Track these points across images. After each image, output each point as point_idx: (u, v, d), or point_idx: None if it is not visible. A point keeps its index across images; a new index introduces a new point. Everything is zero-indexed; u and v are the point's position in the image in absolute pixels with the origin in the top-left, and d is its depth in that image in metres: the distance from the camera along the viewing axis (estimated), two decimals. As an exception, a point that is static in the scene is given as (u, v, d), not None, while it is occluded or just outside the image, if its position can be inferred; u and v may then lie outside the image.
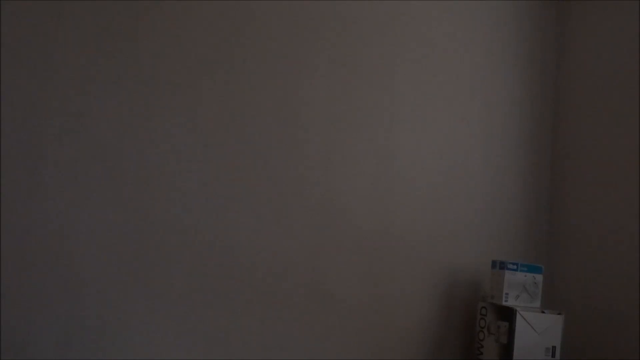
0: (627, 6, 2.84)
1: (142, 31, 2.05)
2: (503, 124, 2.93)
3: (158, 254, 2.07)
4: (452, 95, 2.76)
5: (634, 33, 2.80)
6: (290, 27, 2.34)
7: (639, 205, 2.70)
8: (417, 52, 2.66)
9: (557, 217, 3.02)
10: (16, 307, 1.83)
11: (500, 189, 2.91)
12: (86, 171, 1.94)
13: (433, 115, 2.71)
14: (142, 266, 2.04)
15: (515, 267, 2.61)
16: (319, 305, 2.39)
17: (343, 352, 2.44)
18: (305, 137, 2.37)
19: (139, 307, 2.03)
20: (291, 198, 2.33)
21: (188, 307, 2.12)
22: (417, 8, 2.66)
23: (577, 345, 2.83)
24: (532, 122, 3.03)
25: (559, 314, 2.59)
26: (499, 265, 2.61)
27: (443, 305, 2.71)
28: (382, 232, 2.54)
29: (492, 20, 2.90)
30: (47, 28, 1.88)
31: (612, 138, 2.84)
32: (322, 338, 2.39)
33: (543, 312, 2.57)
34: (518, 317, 2.50)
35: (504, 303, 2.57)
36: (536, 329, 2.53)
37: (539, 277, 2.66)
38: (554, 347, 2.56)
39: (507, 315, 2.53)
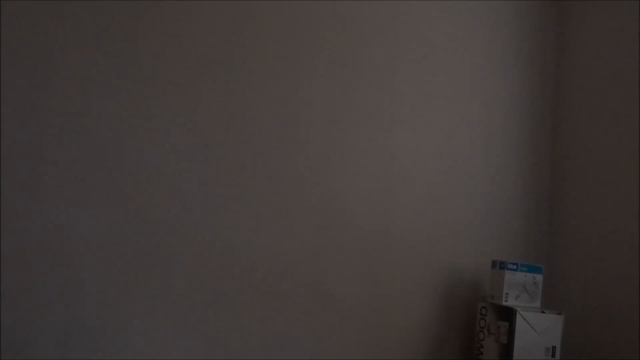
0: (627, 6, 2.84)
1: (142, 31, 2.05)
2: (503, 124, 2.92)
3: (158, 254, 2.07)
4: (452, 95, 2.76)
5: (634, 33, 2.80)
6: (290, 27, 2.34)
7: (639, 205, 2.70)
8: (417, 52, 2.66)
9: (557, 217, 3.02)
10: (16, 307, 1.83)
11: (500, 189, 2.91)
12: (86, 171, 1.94)
13: (433, 115, 2.71)
14: (142, 266, 2.04)
15: (515, 267, 2.61)
16: (319, 305, 2.39)
17: (343, 352, 2.43)
18: (305, 137, 2.37)
19: (139, 307, 2.03)
20: (291, 198, 2.33)
21: (188, 307, 2.12)
22: (417, 8, 2.66)
23: (577, 345, 2.83)
24: (532, 122, 3.03)
25: (559, 314, 2.59)
26: (499, 265, 2.61)
27: (443, 305, 2.71)
28: (382, 232, 2.54)
29: (492, 20, 2.90)
30: (47, 28, 1.88)
31: (612, 138, 2.84)
32: (322, 338, 2.39)
33: (543, 312, 2.57)
34: (518, 317, 2.50)
35: (504, 303, 2.57)
36: (536, 329, 2.53)
37: (539, 277, 2.66)
38: (554, 347, 2.56)
39: (507, 315, 2.53)
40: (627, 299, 2.70)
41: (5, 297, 1.81)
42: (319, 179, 2.40)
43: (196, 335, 2.13)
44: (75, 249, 1.93)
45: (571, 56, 3.06)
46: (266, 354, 2.26)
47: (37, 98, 1.87)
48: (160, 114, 2.08)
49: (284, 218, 2.32)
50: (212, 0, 2.17)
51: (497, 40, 2.92)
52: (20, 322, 1.83)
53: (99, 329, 1.96)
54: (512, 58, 2.97)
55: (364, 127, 2.51)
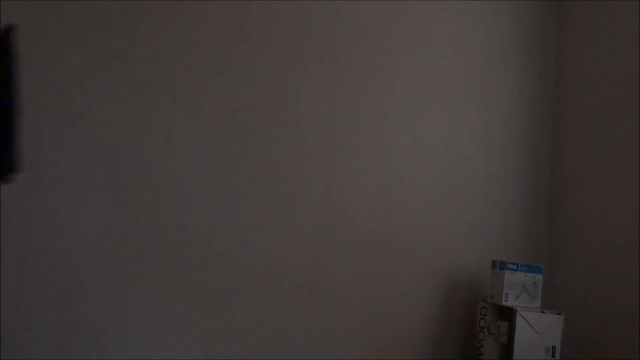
0: (627, 6, 2.84)
1: (142, 31, 2.05)
2: (503, 124, 2.92)
3: (158, 254, 2.07)
4: (452, 95, 2.76)
5: (634, 33, 2.80)
6: (290, 27, 2.34)
7: (639, 205, 2.70)
8: (417, 52, 2.66)
9: (557, 217, 3.02)
10: (16, 307, 1.83)
11: (500, 189, 2.91)
12: (86, 171, 1.94)
13: (433, 115, 2.71)
14: (142, 266, 2.04)
15: (515, 267, 2.61)
16: (319, 305, 2.39)
17: (343, 352, 2.43)
18: (305, 137, 2.37)
19: (139, 307, 2.03)
20: (291, 198, 2.33)
21: (188, 307, 2.12)
22: (417, 8, 2.66)
23: (577, 345, 2.83)
24: (532, 122, 3.03)
25: (559, 314, 2.59)
26: (499, 265, 2.61)
27: (443, 305, 2.71)
28: (382, 232, 2.54)
29: (492, 20, 2.90)
30: (47, 28, 1.88)
31: (612, 138, 2.84)
32: (322, 338, 2.39)
33: (543, 312, 2.57)
34: (518, 317, 2.50)
35: (504, 303, 2.57)
36: (536, 329, 2.53)
37: (539, 277, 2.66)
38: (554, 347, 2.56)
39: (507, 315, 2.53)
40: (627, 299, 2.70)
41: (5, 297, 1.81)
42: (319, 179, 2.40)
43: (196, 335, 2.13)
44: (75, 249, 1.93)
45: (571, 56, 3.06)
46: (266, 354, 2.26)
47: (37, 98, 1.86)
48: (160, 114, 2.08)
49: (284, 218, 2.32)
50: (212, 0, 2.17)
51: (497, 41, 2.92)
52: (20, 322, 1.83)
53: (99, 329, 1.96)
54: (512, 58, 2.97)
55: (364, 127, 2.51)
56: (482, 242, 2.84)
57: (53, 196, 1.89)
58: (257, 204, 2.26)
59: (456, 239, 2.76)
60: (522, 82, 3.00)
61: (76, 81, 1.93)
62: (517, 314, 2.49)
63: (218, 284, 2.17)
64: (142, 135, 2.04)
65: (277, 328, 2.29)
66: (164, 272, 2.07)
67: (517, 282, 2.61)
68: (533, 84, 3.04)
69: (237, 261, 2.21)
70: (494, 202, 2.88)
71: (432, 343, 2.68)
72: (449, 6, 2.76)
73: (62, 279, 1.90)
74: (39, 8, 1.87)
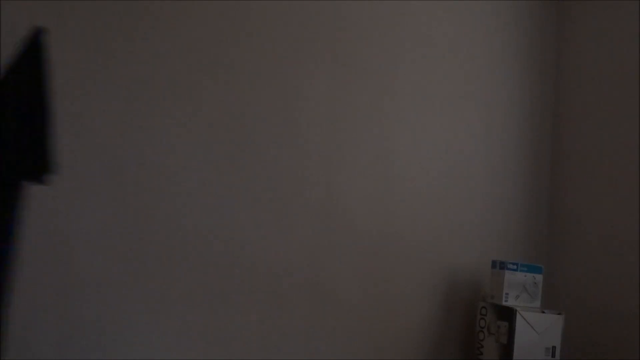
0: (627, 6, 2.84)
1: (142, 31, 2.05)
2: (503, 124, 2.92)
3: (158, 254, 2.07)
4: (452, 95, 2.76)
5: (634, 33, 2.80)
6: (290, 27, 2.34)
7: (639, 205, 2.70)
8: (417, 52, 2.66)
9: (557, 217, 3.02)
10: (16, 307, 1.82)
11: (501, 189, 2.91)
12: (86, 171, 1.94)
13: (433, 115, 2.71)
14: (142, 266, 2.04)
15: (515, 267, 2.61)
16: (319, 305, 2.39)
17: (343, 352, 2.43)
18: (305, 137, 2.37)
19: (139, 307, 2.03)
20: (291, 198, 2.33)
21: (188, 307, 2.12)
22: (417, 8, 2.66)
23: (577, 345, 2.83)
24: (532, 122, 3.03)
25: (559, 314, 2.59)
26: (499, 265, 2.61)
27: (443, 305, 2.71)
28: (382, 232, 2.54)
29: (492, 20, 2.90)
30: (47, 28, 1.88)
31: (612, 138, 2.84)
32: (322, 338, 2.39)
33: (543, 312, 2.57)
34: (518, 317, 2.50)
35: (504, 303, 2.57)
36: (536, 329, 2.53)
37: (539, 277, 2.66)
38: (554, 347, 2.56)
39: (507, 315, 2.53)
40: (627, 299, 2.70)
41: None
42: (319, 179, 2.40)
43: (196, 335, 2.13)
44: (75, 249, 1.92)
45: (571, 56, 3.06)
46: (266, 354, 2.26)
47: (37, 98, 1.86)
48: (160, 114, 2.08)
49: (284, 218, 2.32)
50: (212, 0, 2.17)
51: (497, 41, 2.92)
52: (20, 322, 1.83)
53: (99, 329, 1.96)
54: (512, 58, 2.97)
55: (364, 127, 2.51)
56: (482, 242, 2.84)
57: (53, 196, 1.89)
58: (257, 204, 2.26)
59: (456, 239, 2.76)
60: (522, 82, 3.00)
61: (76, 81, 1.93)
62: (517, 314, 2.50)
63: (218, 284, 2.17)
64: (142, 135, 2.04)
65: (277, 328, 2.29)
66: (164, 272, 2.07)
67: (517, 282, 2.61)
68: (533, 84, 3.04)
69: (237, 261, 2.21)
70: (494, 202, 2.88)
71: (432, 343, 2.68)
72: (449, 6, 2.76)
73: (62, 279, 1.90)
74: (39, 8, 1.87)
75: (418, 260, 2.64)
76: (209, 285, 2.16)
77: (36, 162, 1.46)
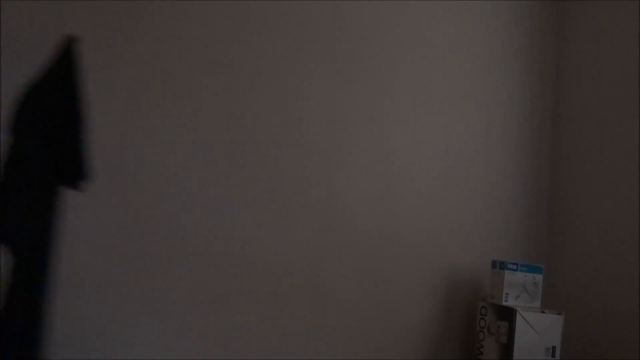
0: (627, 6, 2.84)
1: (142, 31, 2.05)
2: (503, 124, 2.92)
3: (158, 254, 2.07)
4: (452, 95, 2.76)
5: (634, 33, 2.80)
6: (291, 27, 2.34)
7: (639, 205, 2.70)
8: (417, 52, 2.66)
9: (557, 217, 3.02)
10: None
11: (501, 189, 2.91)
12: (86, 171, 1.94)
13: (433, 115, 2.71)
14: (142, 266, 2.04)
15: (515, 267, 2.61)
16: (319, 305, 2.39)
17: (343, 352, 2.43)
18: (305, 137, 2.37)
19: (139, 307, 2.03)
20: (291, 198, 2.33)
21: (188, 307, 2.12)
22: (417, 8, 2.66)
23: (577, 345, 2.83)
24: (532, 122, 3.03)
25: (559, 314, 2.59)
26: (499, 265, 2.61)
27: (443, 305, 2.71)
28: (382, 232, 2.54)
29: (492, 20, 2.90)
30: (47, 28, 1.88)
31: (612, 138, 2.84)
32: (322, 338, 2.39)
33: (543, 312, 2.57)
34: (518, 317, 2.50)
35: (504, 303, 2.57)
36: (536, 329, 2.53)
37: (539, 277, 2.66)
38: (554, 347, 2.56)
39: (507, 315, 2.53)
40: (627, 299, 2.70)
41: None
42: (319, 179, 2.40)
43: (196, 335, 2.13)
44: (75, 249, 1.92)
45: (571, 56, 3.06)
46: (266, 354, 2.26)
47: (37, 98, 1.86)
48: (160, 114, 2.08)
49: (284, 218, 2.32)
50: (212, 0, 2.17)
51: (497, 41, 2.92)
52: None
53: (99, 329, 1.96)
54: (512, 58, 2.97)
55: (364, 127, 2.51)
56: (482, 242, 2.84)
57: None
58: (257, 204, 2.26)
59: (456, 239, 2.76)
60: (522, 82, 3.00)
61: (76, 81, 1.93)
62: (517, 313, 2.49)
63: (218, 284, 2.17)
64: (142, 135, 2.04)
65: (277, 328, 2.29)
66: (164, 272, 2.07)
67: (517, 282, 2.61)
68: (533, 84, 3.04)
69: (237, 261, 2.21)
70: (494, 202, 2.88)
71: (432, 343, 2.68)
72: (449, 6, 2.76)
73: (62, 279, 1.90)
74: (39, 8, 1.87)
75: (418, 260, 2.64)
76: (209, 285, 2.16)
77: (72, 169, 1.48)
